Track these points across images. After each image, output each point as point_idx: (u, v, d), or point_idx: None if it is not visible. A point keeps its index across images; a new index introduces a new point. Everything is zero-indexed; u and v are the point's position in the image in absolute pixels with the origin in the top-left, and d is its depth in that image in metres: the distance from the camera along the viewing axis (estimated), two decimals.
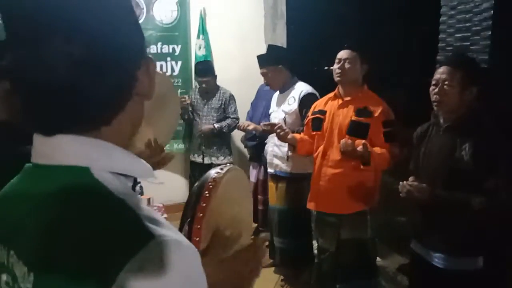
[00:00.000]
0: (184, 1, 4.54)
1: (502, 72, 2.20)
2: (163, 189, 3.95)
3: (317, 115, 2.76)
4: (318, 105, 2.82)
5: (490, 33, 2.17)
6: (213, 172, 1.00)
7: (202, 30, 4.60)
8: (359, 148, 2.34)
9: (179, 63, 4.64)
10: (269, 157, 3.32)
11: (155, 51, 4.50)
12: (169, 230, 0.58)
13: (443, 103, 2.02)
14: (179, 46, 4.61)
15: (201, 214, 0.91)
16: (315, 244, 3.54)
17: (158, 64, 4.43)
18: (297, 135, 2.84)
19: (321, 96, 3.05)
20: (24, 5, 0.57)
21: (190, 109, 4.17)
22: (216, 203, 0.94)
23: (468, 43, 2.28)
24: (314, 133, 2.77)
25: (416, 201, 2.04)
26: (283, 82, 3.24)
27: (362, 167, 2.45)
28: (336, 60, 2.63)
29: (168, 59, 4.61)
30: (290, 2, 4.53)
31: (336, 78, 2.63)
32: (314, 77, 3.64)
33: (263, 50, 4.15)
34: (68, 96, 0.58)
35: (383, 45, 5.71)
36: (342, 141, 2.41)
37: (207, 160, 4.12)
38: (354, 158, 2.43)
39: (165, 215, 2.74)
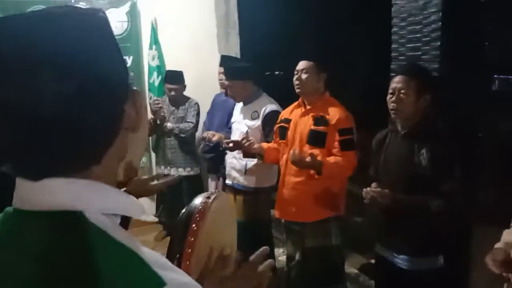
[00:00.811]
0: (134, 11, 4.46)
1: (452, 80, 2.33)
2: None
3: (282, 124, 2.79)
4: (284, 113, 2.84)
5: (439, 43, 2.29)
6: (198, 202, 0.96)
7: (155, 41, 4.52)
8: (307, 158, 2.36)
9: (131, 74, 4.54)
10: (227, 169, 3.29)
11: None
12: (176, 273, 0.57)
13: (400, 111, 2.09)
14: (131, 57, 4.51)
15: (189, 250, 0.88)
16: (277, 252, 3.58)
17: None
18: (265, 144, 2.85)
19: (281, 104, 3.09)
20: (16, 38, 0.54)
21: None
22: (204, 235, 0.92)
23: (420, 53, 2.39)
24: (280, 141, 2.79)
25: (379, 206, 2.10)
26: (247, 94, 3.18)
27: (316, 176, 2.47)
28: (295, 72, 2.66)
29: None
30: (242, 11, 4.53)
31: (296, 90, 2.65)
32: (267, 83, 3.66)
33: (216, 59, 4.14)
34: (59, 132, 0.54)
35: (340, 51, 5.80)
36: (291, 151, 2.44)
37: (173, 172, 4.02)
38: (304, 168, 2.46)
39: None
